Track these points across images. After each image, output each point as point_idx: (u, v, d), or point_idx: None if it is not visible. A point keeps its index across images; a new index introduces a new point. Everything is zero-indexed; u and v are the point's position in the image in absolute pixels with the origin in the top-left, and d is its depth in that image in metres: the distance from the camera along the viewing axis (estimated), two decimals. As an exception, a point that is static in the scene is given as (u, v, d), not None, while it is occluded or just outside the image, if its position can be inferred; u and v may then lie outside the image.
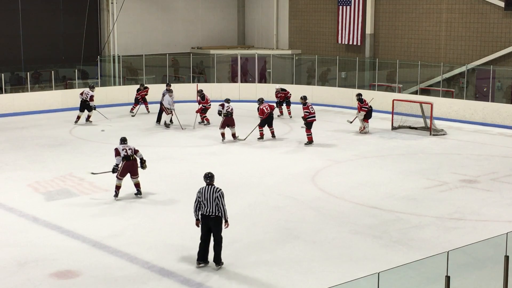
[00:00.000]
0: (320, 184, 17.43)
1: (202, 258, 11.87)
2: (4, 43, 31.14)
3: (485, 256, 9.70)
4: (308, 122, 22.33)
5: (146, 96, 28.27)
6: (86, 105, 26.02)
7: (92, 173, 17.38)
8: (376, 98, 26.66)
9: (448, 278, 8.11)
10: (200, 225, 11.88)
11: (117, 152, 15.92)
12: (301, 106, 22.66)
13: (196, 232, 13.72)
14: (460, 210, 15.23)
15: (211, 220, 11.68)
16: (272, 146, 22.09)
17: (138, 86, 28.61)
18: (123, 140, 16.23)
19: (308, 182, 17.66)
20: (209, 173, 11.97)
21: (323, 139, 23.19)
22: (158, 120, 26.03)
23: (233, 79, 33.95)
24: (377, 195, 16.42)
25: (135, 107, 28.14)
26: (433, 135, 23.99)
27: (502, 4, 27.70)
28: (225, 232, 13.52)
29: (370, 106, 24.17)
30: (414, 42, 30.97)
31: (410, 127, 24.82)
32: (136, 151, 16.05)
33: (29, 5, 31.74)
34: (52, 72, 30.09)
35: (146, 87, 28.47)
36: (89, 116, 26.11)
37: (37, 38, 31.88)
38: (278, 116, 26.86)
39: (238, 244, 13.02)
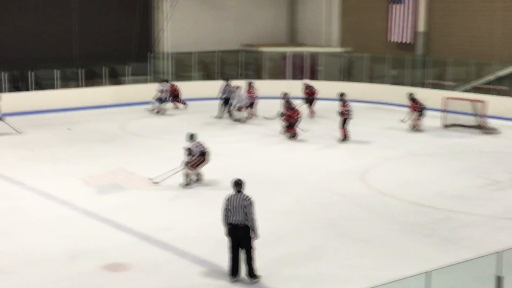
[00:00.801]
0: (368, 182, 17.33)
1: (234, 272, 11.05)
2: (58, 40, 31.66)
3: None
4: (345, 119, 22.24)
5: (176, 93, 28.58)
6: None
7: (154, 182, 16.80)
8: (427, 96, 26.33)
9: (499, 278, 7.99)
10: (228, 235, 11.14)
11: (189, 152, 16.44)
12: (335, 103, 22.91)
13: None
14: (511, 210, 15.00)
15: (240, 230, 10.91)
16: (319, 143, 22.02)
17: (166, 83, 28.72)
18: (192, 137, 16.68)
19: (357, 179, 17.56)
20: (239, 179, 11.24)
21: (372, 136, 23.04)
22: (219, 114, 26.51)
23: (282, 76, 33.89)
24: (427, 193, 16.25)
25: (179, 104, 28.60)
26: (485, 133, 23.63)
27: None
28: (273, 228, 13.58)
29: (423, 105, 23.92)
30: (467, 40, 30.52)
31: (462, 126, 24.48)
32: (204, 147, 16.74)
33: (83, 2, 32.22)
34: (105, 68, 30.47)
35: (173, 84, 28.86)
36: None
37: (90, 35, 32.34)
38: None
39: (285, 241, 13.03)
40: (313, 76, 33.58)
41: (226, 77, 29.40)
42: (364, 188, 16.73)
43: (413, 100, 23.88)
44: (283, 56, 34.24)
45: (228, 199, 11.06)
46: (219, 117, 26.31)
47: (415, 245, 12.89)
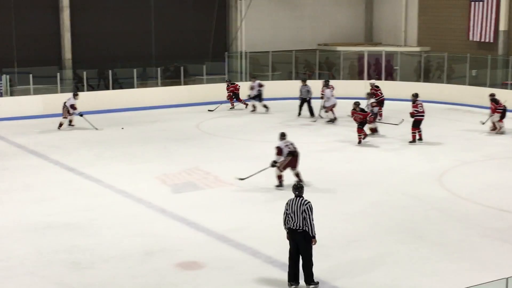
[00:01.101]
0: (446, 185, 16.97)
1: (292, 278, 10.86)
2: (136, 39, 32.23)
3: None
4: (416, 120, 21.83)
5: (236, 92, 28.51)
6: None
7: (240, 179, 16.64)
8: (508, 97, 25.65)
9: None
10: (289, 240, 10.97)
11: (279, 151, 16.12)
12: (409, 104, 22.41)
13: (319, 229, 13.69)
14: None
15: (298, 234, 10.73)
16: (396, 144, 21.70)
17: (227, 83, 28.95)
18: (283, 136, 16.40)
19: (434, 182, 17.23)
20: (298, 183, 11.26)
21: (450, 138, 22.58)
22: (300, 112, 26.68)
23: (359, 76, 33.62)
24: (507, 198, 15.80)
25: (233, 104, 28.53)
26: None
27: None
28: (346, 231, 13.47)
29: (505, 106, 23.29)
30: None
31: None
32: (295, 147, 16.37)
33: (161, 2, 32.71)
34: (181, 67, 30.83)
35: (234, 83, 28.82)
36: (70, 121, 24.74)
37: (167, 35, 32.81)
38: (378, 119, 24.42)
39: (359, 243, 12.89)
40: (390, 76, 33.19)
41: (302, 77, 29.36)
42: (441, 191, 16.39)
43: (494, 101, 23.26)
44: (360, 55, 33.93)
45: (287, 203, 10.92)
46: (299, 115, 26.60)
47: (494, 250, 12.54)
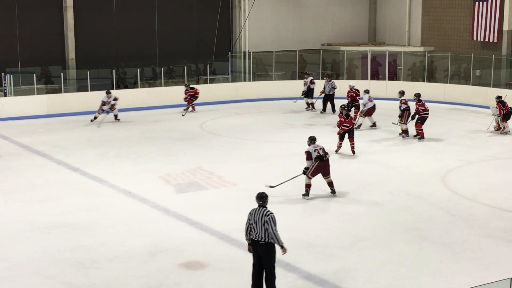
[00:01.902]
0: (450, 185, 16.95)
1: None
2: (140, 39, 32.24)
3: None
4: (422, 117, 22.10)
5: (196, 96, 27.84)
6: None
7: (270, 187, 15.89)
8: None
9: None
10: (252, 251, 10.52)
11: (308, 155, 15.43)
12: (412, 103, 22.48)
13: (324, 230, 13.72)
14: None
15: (260, 246, 10.26)
16: (400, 144, 21.70)
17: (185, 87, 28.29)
18: (313, 140, 15.68)
19: (438, 182, 17.20)
20: (262, 193, 10.54)
21: (455, 138, 22.56)
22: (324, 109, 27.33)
23: (363, 76, 33.59)
24: (511, 198, 15.77)
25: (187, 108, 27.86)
26: None
27: None
28: (351, 230, 13.45)
29: (510, 108, 23.25)
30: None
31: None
32: (326, 152, 15.64)
33: (165, 2, 32.72)
34: (185, 67, 30.84)
35: (193, 88, 28.09)
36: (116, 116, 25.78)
37: (171, 34, 32.83)
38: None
39: (364, 243, 12.87)
40: (394, 76, 33.18)
41: (326, 74, 29.35)
42: (446, 191, 16.37)
43: (501, 103, 23.23)
44: (364, 55, 33.91)
45: (250, 213, 10.43)
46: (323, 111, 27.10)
47: (498, 250, 12.52)
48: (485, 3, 31.88)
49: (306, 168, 15.46)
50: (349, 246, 12.68)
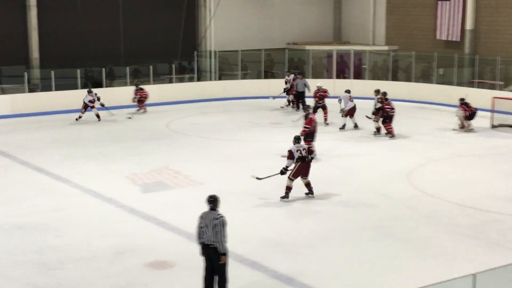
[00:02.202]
0: (415, 182, 17.14)
1: None
2: (105, 38, 31.99)
3: None
4: (390, 115, 22.37)
5: (142, 98, 27.62)
6: None
7: (258, 178, 15.77)
8: (475, 95, 25.96)
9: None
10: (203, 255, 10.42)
11: (290, 155, 15.17)
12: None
13: (291, 228, 13.77)
14: (563, 213, 14.69)
15: (211, 250, 10.16)
16: (365, 143, 21.87)
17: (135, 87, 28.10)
18: (297, 139, 15.49)
19: (403, 180, 17.38)
20: (213, 195, 10.41)
21: (419, 136, 22.80)
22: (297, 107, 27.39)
23: (328, 75, 33.75)
24: (474, 195, 16.01)
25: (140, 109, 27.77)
26: (535, 134, 23.22)
27: None
28: (318, 228, 13.55)
29: (475, 109, 23.54)
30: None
31: (510, 126, 24.05)
32: (311, 151, 15.55)
33: (130, 1, 32.52)
34: (151, 67, 30.68)
35: (142, 89, 27.77)
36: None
37: (136, 34, 32.63)
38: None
39: (331, 241, 12.97)
40: (359, 75, 33.39)
41: (298, 72, 29.44)
42: (411, 189, 16.56)
43: (465, 104, 23.56)
44: (329, 54, 34.08)
45: (201, 216, 10.29)
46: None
47: (462, 247, 12.71)
48: (448, 2, 32.25)
49: (285, 168, 15.28)
50: (316, 245, 12.75)
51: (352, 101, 23.77)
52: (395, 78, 32.51)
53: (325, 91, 24.90)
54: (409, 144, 21.72)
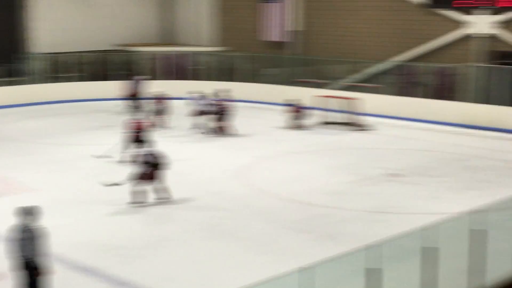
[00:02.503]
0: (247, 180, 17.54)
1: None
2: None
3: (411, 248, 9.96)
4: (224, 115, 23.12)
5: None
6: None
7: (106, 185, 15.65)
8: (302, 94, 26.94)
9: (373, 270, 8.30)
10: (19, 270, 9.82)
11: (140, 159, 14.99)
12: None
13: (127, 232, 13.67)
14: (385, 204, 15.59)
15: (28, 265, 9.64)
16: (197, 142, 22.09)
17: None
18: (148, 143, 15.27)
19: (236, 178, 17.74)
20: (29, 207, 9.79)
21: (249, 135, 23.33)
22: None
23: (159, 77, 33.64)
24: (304, 190, 16.64)
25: None
26: (358, 130, 24.45)
27: (421, 2, 28.34)
28: (155, 232, 13.55)
29: (301, 111, 24.50)
30: (338, 38, 31.36)
31: (336, 123, 25.19)
32: (157, 156, 15.20)
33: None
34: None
35: None
36: None
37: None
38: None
39: (167, 243, 13.03)
40: (187, 76, 33.50)
41: (134, 74, 29.20)
42: (244, 187, 16.93)
43: (291, 105, 24.53)
44: (156, 56, 34.00)
45: (15, 229, 9.62)
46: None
47: (293, 241, 13.18)
48: (274, 4, 33.18)
49: (133, 174, 15.04)
50: (153, 247, 12.77)
51: (201, 102, 23.90)
52: (224, 78, 32.92)
53: (163, 96, 24.83)
54: (241, 142, 22.19)
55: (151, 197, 15.36)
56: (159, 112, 24.37)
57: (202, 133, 23.21)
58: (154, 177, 15.14)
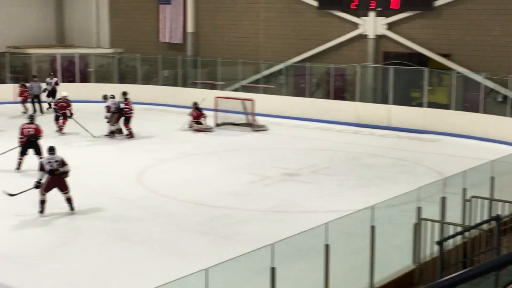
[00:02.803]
0: (146, 183, 17.41)
1: None
2: None
3: (308, 246, 10.14)
4: (128, 117, 22.97)
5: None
6: None
7: (10, 195, 14.91)
8: (198, 95, 26.92)
9: (273, 269, 8.39)
10: None
11: (41, 167, 14.27)
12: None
13: (21, 239, 13.36)
14: (283, 203, 15.80)
15: None
16: (95, 146, 21.74)
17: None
18: (51, 150, 14.48)
19: (134, 181, 17.57)
20: None
21: (148, 138, 23.16)
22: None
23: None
24: (203, 192, 16.64)
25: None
26: (255, 130, 24.66)
27: (316, 4, 28.87)
28: (49, 238, 13.27)
29: (204, 114, 24.52)
30: (235, 40, 31.55)
31: (233, 124, 25.34)
32: (64, 164, 14.47)
33: None
34: None
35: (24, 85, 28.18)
36: None
37: None
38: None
39: (63, 249, 12.78)
40: (85, 78, 32.98)
41: (33, 75, 29.31)
42: (142, 190, 16.78)
43: (197, 109, 24.53)
44: (53, 58, 33.25)
45: None
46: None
47: (194, 243, 13.17)
48: (169, 6, 33.03)
49: (38, 181, 14.44)
50: (48, 253, 12.48)
51: (118, 107, 23.21)
52: (121, 80, 32.59)
53: (66, 101, 23.90)
54: (139, 145, 21.99)
55: (59, 206, 14.87)
56: (58, 116, 23.75)
57: (106, 136, 22.85)
58: (60, 184, 14.59)
